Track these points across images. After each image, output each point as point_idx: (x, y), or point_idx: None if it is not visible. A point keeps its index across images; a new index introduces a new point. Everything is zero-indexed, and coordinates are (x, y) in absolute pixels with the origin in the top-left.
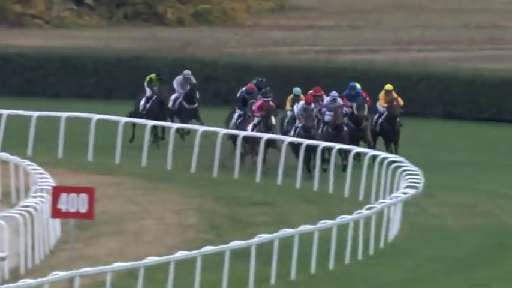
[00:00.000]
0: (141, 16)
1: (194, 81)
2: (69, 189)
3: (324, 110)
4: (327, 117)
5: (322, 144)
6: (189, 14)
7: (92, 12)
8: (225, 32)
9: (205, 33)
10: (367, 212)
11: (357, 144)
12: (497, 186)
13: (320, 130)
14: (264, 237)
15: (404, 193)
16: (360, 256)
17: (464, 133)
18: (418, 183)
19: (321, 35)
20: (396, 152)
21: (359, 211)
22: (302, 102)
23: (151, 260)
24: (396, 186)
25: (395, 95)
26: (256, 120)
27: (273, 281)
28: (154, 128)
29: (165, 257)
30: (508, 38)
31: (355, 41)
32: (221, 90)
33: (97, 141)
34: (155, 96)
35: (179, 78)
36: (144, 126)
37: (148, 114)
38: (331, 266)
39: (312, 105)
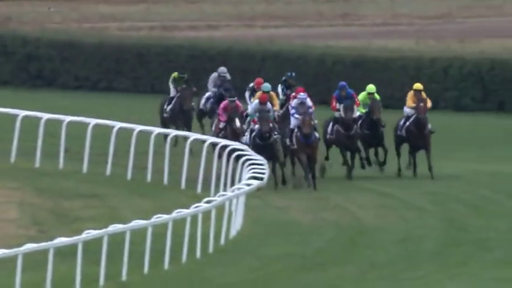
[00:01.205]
0: None
1: (229, 78)
2: None
3: (292, 111)
4: (294, 122)
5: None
6: None
7: None
8: (48, 6)
9: (26, 8)
10: (206, 205)
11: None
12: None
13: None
14: (91, 233)
15: (248, 185)
16: (198, 254)
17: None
18: (262, 173)
19: (154, 10)
20: (429, 162)
21: (197, 205)
22: (256, 102)
23: None
24: (238, 177)
25: (424, 95)
26: (221, 125)
27: (102, 281)
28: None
29: None
30: (361, 13)
31: (192, 16)
32: (44, 70)
33: None
34: (176, 100)
35: (214, 75)
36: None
37: (169, 120)
38: (166, 265)
39: (268, 106)
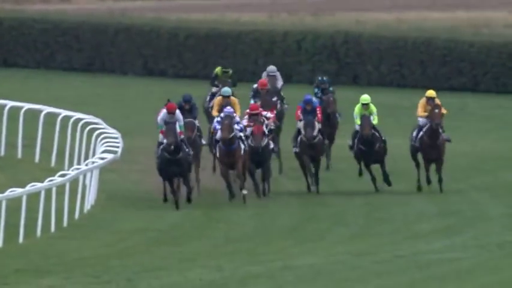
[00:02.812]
0: None
1: (279, 79)
2: None
3: (215, 125)
4: (219, 135)
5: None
6: None
7: None
8: None
9: None
10: (61, 179)
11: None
12: None
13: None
14: None
15: (102, 158)
16: (53, 228)
17: (167, 91)
18: (116, 147)
19: None
20: (439, 175)
21: (51, 178)
22: (164, 111)
23: None
24: (93, 151)
25: (438, 102)
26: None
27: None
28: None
29: None
30: None
31: None
32: None
33: None
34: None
35: (263, 74)
36: None
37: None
38: (20, 239)
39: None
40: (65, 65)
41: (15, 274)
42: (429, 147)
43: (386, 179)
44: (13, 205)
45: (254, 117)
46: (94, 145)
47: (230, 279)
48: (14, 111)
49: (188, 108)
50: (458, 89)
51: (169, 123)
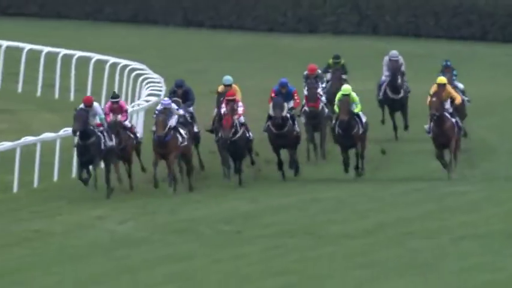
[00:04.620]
0: None
1: (401, 63)
2: None
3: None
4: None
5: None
6: None
7: None
8: None
9: None
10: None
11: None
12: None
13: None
14: (6, 145)
15: (146, 101)
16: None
17: (204, 41)
18: (159, 91)
19: None
20: (455, 161)
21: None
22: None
23: None
24: (138, 94)
25: (450, 90)
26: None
27: (15, 188)
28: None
29: None
30: None
31: None
32: None
33: None
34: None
35: (385, 59)
36: None
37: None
38: (73, 174)
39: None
40: (112, 17)
41: (67, 205)
42: (438, 135)
43: (357, 167)
44: (66, 144)
45: (231, 103)
46: (139, 89)
47: (264, 210)
48: (67, 58)
49: (181, 93)
50: (468, 38)
51: (80, 110)
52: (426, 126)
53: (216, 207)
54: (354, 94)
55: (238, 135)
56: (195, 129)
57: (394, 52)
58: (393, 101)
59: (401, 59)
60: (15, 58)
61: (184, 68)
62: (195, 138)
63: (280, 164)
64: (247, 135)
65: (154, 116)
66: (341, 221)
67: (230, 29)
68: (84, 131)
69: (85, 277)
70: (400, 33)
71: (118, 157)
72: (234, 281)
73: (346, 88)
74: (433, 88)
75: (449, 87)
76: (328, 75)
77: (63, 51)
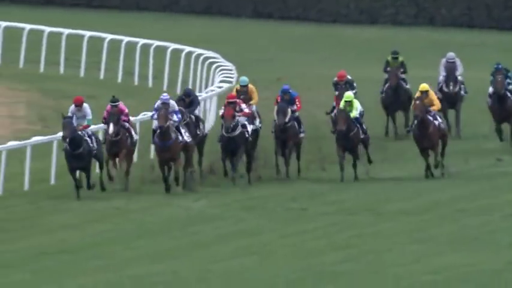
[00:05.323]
0: None
1: (458, 66)
2: None
3: (153, 114)
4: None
5: None
6: None
7: None
8: None
9: None
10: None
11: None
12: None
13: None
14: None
15: (219, 87)
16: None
17: (272, 31)
18: (231, 77)
19: None
20: (438, 161)
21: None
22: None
23: None
24: (212, 81)
25: (433, 97)
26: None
27: (98, 169)
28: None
29: None
30: None
31: None
32: None
33: None
34: (387, 84)
35: (443, 60)
36: None
37: (382, 104)
38: (151, 155)
39: (84, 110)
40: (187, 9)
41: (145, 186)
42: (420, 137)
43: (355, 166)
44: (144, 126)
45: (231, 105)
46: (212, 76)
47: (328, 189)
48: (145, 47)
49: (188, 101)
50: None
51: (67, 118)
52: (410, 125)
53: (283, 187)
54: (355, 101)
55: (236, 132)
56: (199, 131)
57: (451, 54)
58: (449, 97)
59: (457, 61)
60: (98, 48)
61: (253, 56)
62: (199, 139)
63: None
64: (246, 135)
65: (154, 112)
66: (399, 199)
67: (296, 21)
68: (73, 139)
69: (162, 251)
70: (455, 24)
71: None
72: (299, 254)
73: (348, 95)
74: (417, 94)
75: (431, 94)
76: (386, 75)
77: (142, 41)
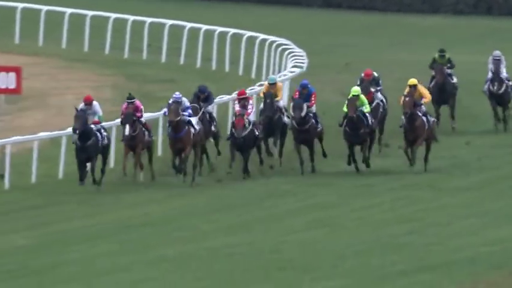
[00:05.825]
0: None
1: (503, 63)
2: None
3: (165, 111)
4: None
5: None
6: None
7: None
8: None
9: None
10: (257, 88)
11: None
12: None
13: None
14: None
15: (291, 72)
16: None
17: (341, 20)
18: (302, 63)
19: None
20: (426, 158)
21: (252, 88)
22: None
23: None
24: (284, 66)
25: (423, 90)
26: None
27: (160, 152)
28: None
29: None
30: None
31: None
32: None
33: (22, 27)
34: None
35: (490, 58)
36: None
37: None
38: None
39: (93, 108)
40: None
41: (219, 162)
42: (408, 131)
43: (366, 161)
44: (221, 110)
45: (242, 101)
46: (285, 61)
47: (393, 166)
48: (222, 35)
49: (203, 98)
50: None
51: (80, 111)
52: (401, 121)
53: (348, 167)
54: (362, 96)
55: (246, 132)
56: (213, 128)
57: (497, 52)
58: (495, 95)
59: (503, 59)
60: (178, 35)
61: (323, 43)
62: (213, 135)
63: (301, 161)
64: (256, 133)
65: (166, 109)
66: (459, 176)
67: (363, 10)
68: (84, 131)
69: (238, 223)
70: (511, 13)
71: (143, 146)
72: (367, 226)
73: (355, 89)
74: (406, 89)
75: (420, 87)
76: (433, 72)
77: (219, 29)
